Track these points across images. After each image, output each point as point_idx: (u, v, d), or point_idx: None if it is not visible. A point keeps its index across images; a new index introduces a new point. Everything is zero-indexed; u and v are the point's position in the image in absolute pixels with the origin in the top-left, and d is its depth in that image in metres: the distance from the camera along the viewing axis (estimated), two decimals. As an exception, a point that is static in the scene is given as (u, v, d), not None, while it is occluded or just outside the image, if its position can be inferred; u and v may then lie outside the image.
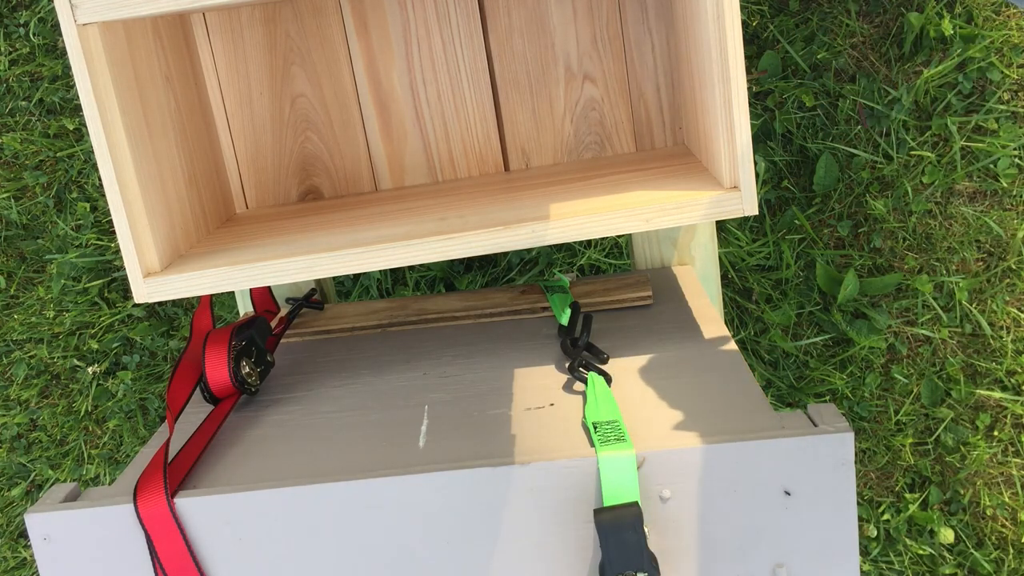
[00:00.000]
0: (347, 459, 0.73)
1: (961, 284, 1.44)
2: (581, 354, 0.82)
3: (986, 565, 1.46)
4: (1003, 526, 1.47)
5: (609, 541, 0.64)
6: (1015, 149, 1.41)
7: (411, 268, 1.54)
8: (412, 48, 1.02)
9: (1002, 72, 1.39)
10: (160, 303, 1.62)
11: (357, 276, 1.55)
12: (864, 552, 1.49)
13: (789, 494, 0.66)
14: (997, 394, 1.45)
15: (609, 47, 1.01)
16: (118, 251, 1.60)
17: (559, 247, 1.52)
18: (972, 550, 1.47)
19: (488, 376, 0.84)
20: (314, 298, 1.06)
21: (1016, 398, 1.45)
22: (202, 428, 0.79)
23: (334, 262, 0.77)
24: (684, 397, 0.75)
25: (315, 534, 0.69)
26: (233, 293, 1.38)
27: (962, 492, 1.48)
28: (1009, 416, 1.46)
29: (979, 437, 1.46)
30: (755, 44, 1.46)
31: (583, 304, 0.96)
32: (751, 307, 1.49)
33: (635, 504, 0.65)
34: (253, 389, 0.85)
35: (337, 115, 1.04)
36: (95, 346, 1.61)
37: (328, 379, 0.89)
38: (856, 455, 1.50)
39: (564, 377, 0.82)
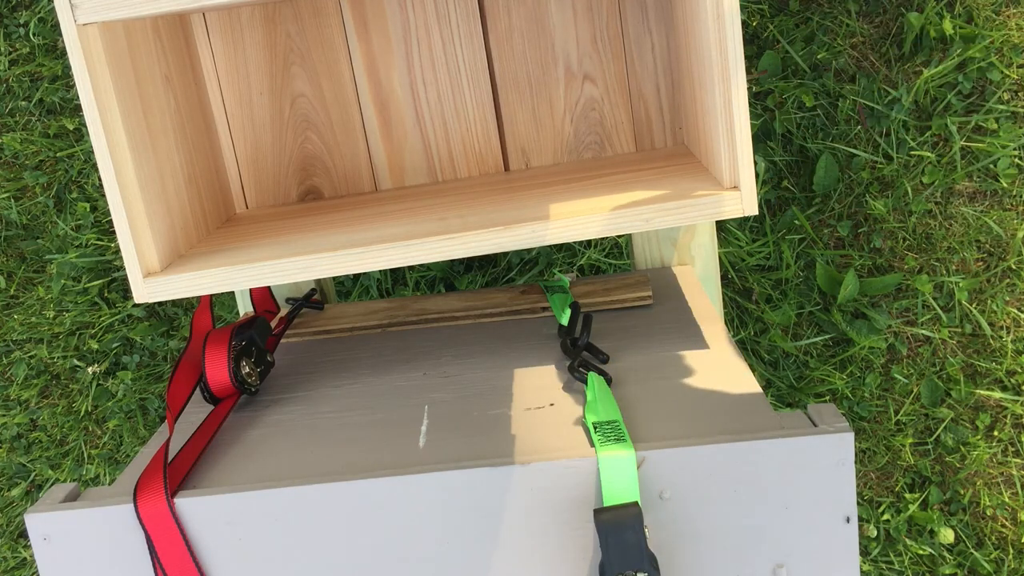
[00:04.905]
0: (347, 459, 0.73)
1: (961, 284, 1.44)
2: (581, 354, 0.82)
3: (986, 565, 1.46)
4: (1003, 526, 1.48)
5: (609, 541, 0.64)
6: (1015, 149, 1.41)
7: (411, 268, 1.54)
8: (412, 48, 1.02)
9: (1002, 72, 1.39)
10: (160, 303, 1.62)
11: (357, 276, 1.55)
12: (864, 552, 1.49)
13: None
14: (997, 394, 1.45)
15: (609, 47, 1.01)
16: (118, 251, 1.60)
17: (559, 247, 1.52)
18: (972, 550, 1.47)
19: (488, 376, 0.84)
20: (314, 298, 1.06)
21: (1016, 398, 1.45)
22: (202, 428, 0.79)
23: (334, 262, 0.77)
24: (684, 397, 0.75)
25: (315, 534, 0.69)
26: (233, 293, 1.38)
27: (962, 492, 1.48)
28: (1009, 416, 1.46)
29: (979, 437, 1.46)
30: (755, 44, 1.46)
31: (583, 304, 0.96)
32: (751, 307, 1.49)
33: (635, 504, 0.65)
34: (253, 389, 0.85)
35: (337, 115, 1.04)
36: (95, 346, 1.61)
37: (328, 379, 0.89)
38: (856, 455, 1.50)
39: (564, 377, 0.82)
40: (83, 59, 0.73)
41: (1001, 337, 1.45)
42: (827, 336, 1.48)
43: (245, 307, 1.09)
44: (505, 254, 1.53)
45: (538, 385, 0.81)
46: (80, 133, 1.60)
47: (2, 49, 1.59)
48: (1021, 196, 1.43)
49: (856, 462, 1.49)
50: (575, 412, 0.75)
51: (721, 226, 1.48)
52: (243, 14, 1.01)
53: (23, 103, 1.60)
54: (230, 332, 0.85)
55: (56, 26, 1.58)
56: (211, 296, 0.93)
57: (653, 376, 0.80)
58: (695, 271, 1.06)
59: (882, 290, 1.46)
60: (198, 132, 0.96)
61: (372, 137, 1.04)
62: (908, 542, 1.48)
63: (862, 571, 1.50)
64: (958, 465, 1.47)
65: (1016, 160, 1.41)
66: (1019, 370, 1.45)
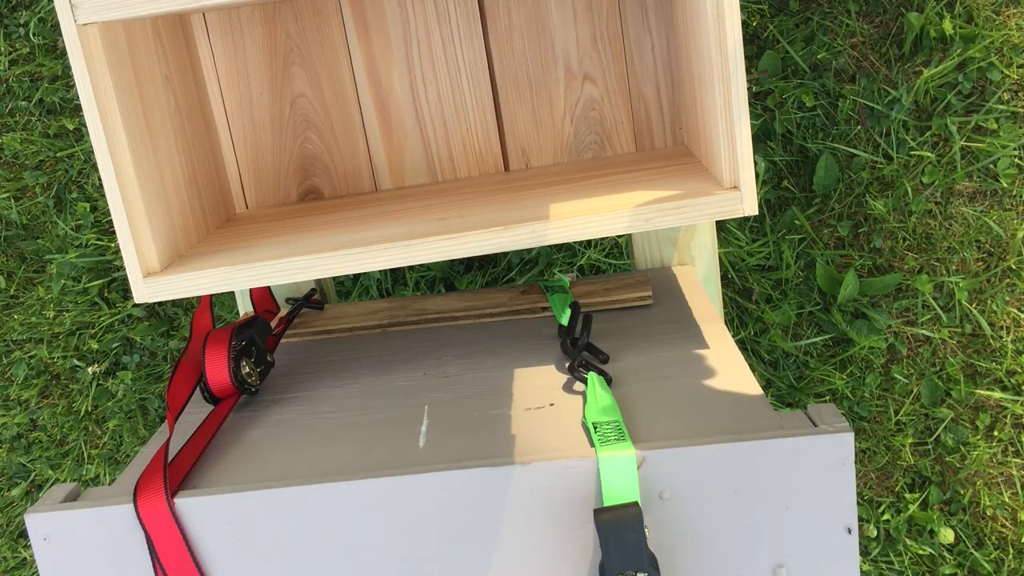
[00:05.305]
0: (347, 459, 0.73)
1: (961, 284, 1.44)
2: (581, 354, 0.82)
3: (986, 565, 1.46)
4: (1003, 526, 1.47)
5: (609, 541, 0.64)
6: (1015, 149, 1.41)
7: (411, 268, 1.54)
8: (412, 48, 1.02)
9: (1002, 72, 1.39)
10: (160, 303, 1.62)
11: (357, 276, 1.55)
12: (864, 552, 1.49)
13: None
14: (997, 394, 1.45)
15: (609, 47, 1.01)
16: (118, 251, 1.60)
17: (559, 247, 1.52)
18: (972, 550, 1.47)
19: (488, 376, 0.84)
20: (314, 298, 1.06)
21: (1016, 398, 1.45)
22: (202, 428, 0.79)
23: (334, 262, 0.77)
24: (684, 397, 0.75)
25: (315, 534, 0.69)
26: (233, 293, 1.38)
27: (962, 492, 1.48)
28: (1009, 416, 1.46)
29: (979, 437, 1.46)
30: (755, 44, 1.46)
31: (583, 304, 0.96)
32: (751, 307, 1.49)
33: (635, 504, 0.65)
34: (253, 389, 0.85)
35: (337, 115, 1.04)
36: (95, 346, 1.61)
37: (328, 379, 0.89)
38: (856, 455, 1.50)
39: (564, 377, 0.82)
40: (83, 59, 0.73)
41: (1001, 337, 1.45)
42: (827, 336, 1.48)
43: (245, 307, 1.09)
44: (505, 254, 1.53)
45: (538, 385, 0.81)
46: (80, 133, 1.60)
47: (2, 49, 1.59)
48: (1021, 196, 1.43)
49: (856, 462, 1.49)
50: (575, 412, 0.75)
51: (721, 226, 1.48)
52: (243, 14, 1.01)
53: (23, 103, 1.60)
54: (230, 332, 0.85)
55: (56, 26, 1.58)
56: (211, 296, 0.93)
57: (653, 376, 0.80)
58: (695, 271, 1.06)
59: (882, 290, 1.46)
60: (198, 132, 0.96)
61: (372, 137, 1.04)
62: (908, 542, 1.48)
63: (862, 571, 1.50)
64: (958, 465, 1.47)
65: (1016, 160, 1.41)
66: (1019, 370, 1.45)
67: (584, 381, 0.80)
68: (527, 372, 0.84)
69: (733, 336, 1.47)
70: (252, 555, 0.70)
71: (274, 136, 1.04)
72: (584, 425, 0.72)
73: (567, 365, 0.83)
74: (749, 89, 1.45)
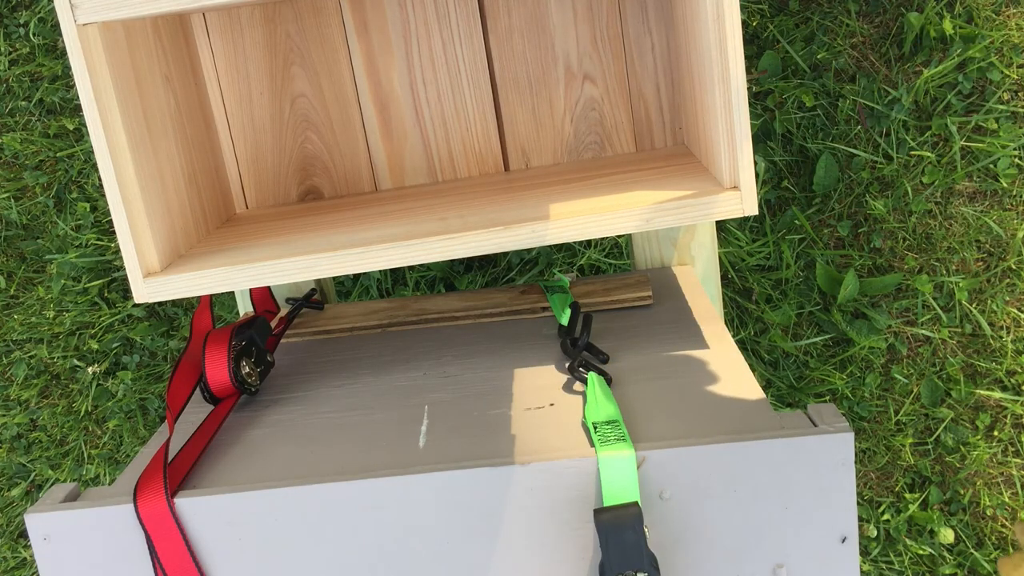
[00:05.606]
0: (347, 459, 0.73)
1: (961, 284, 1.44)
2: (581, 354, 0.82)
3: (986, 565, 1.46)
4: (1003, 526, 1.47)
5: (609, 541, 0.64)
6: (1015, 149, 1.41)
7: (411, 268, 1.54)
8: (412, 48, 1.02)
9: (1002, 72, 1.39)
10: (160, 303, 1.62)
11: (357, 276, 1.55)
12: (864, 552, 1.49)
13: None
14: (997, 394, 1.45)
15: (609, 47, 1.01)
16: (118, 251, 1.60)
17: (559, 247, 1.52)
18: (972, 550, 1.47)
19: (488, 376, 0.84)
20: (314, 298, 1.06)
21: (1016, 398, 1.45)
22: (202, 428, 0.79)
23: (334, 262, 0.77)
24: (684, 397, 0.75)
25: (315, 534, 0.69)
26: (233, 293, 1.38)
27: (962, 492, 1.48)
28: (1009, 416, 1.46)
29: (979, 437, 1.46)
30: (755, 44, 1.46)
31: (583, 304, 0.96)
32: (751, 307, 1.49)
33: (635, 504, 0.65)
34: (253, 389, 0.85)
35: (337, 115, 1.04)
36: (95, 346, 1.61)
37: (328, 379, 0.89)
38: (856, 455, 1.50)
39: (564, 377, 0.82)
40: (83, 59, 0.73)
41: (1001, 337, 1.45)
42: (827, 336, 1.48)
43: (245, 307, 1.09)
44: (505, 254, 1.53)
45: (538, 385, 0.81)
46: (80, 133, 1.60)
47: (2, 49, 1.59)
48: (1021, 196, 1.43)
49: (856, 462, 1.49)
50: (575, 412, 0.75)
51: (721, 226, 1.48)
52: (243, 14, 1.01)
53: (23, 103, 1.60)
54: (230, 332, 0.85)
55: (56, 26, 1.58)
56: (211, 296, 0.93)
57: (653, 376, 0.80)
58: (695, 271, 1.06)
59: (882, 290, 1.46)
60: (198, 132, 0.96)
61: (372, 137, 1.04)
62: (908, 542, 1.48)
63: (862, 571, 1.50)
64: (958, 465, 1.47)
65: (1016, 160, 1.41)
66: (1019, 370, 1.45)
67: (584, 381, 0.80)
68: (527, 372, 0.84)
69: (733, 336, 1.47)
70: (252, 555, 0.70)
71: (274, 136, 1.04)
72: (584, 425, 0.72)
73: (567, 365, 0.83)
74: (749, 89, 1.45)
